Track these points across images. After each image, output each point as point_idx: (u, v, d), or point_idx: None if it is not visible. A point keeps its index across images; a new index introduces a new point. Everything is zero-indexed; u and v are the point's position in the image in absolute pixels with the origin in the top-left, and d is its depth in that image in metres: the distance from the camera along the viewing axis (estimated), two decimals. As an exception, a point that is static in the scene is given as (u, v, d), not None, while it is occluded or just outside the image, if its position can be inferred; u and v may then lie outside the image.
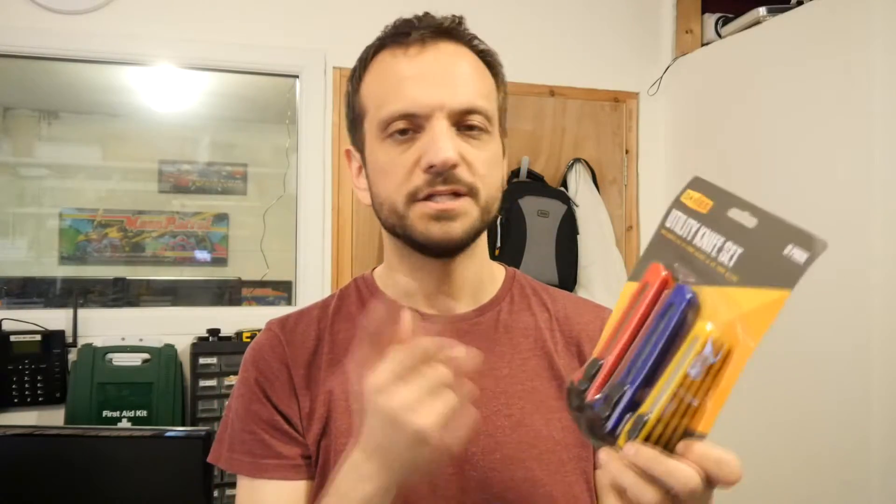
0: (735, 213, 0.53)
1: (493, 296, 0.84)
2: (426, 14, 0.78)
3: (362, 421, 0.62)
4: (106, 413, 1.86)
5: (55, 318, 1.97)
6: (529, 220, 2.18)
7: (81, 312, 1.99)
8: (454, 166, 0.72)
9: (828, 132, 1.76)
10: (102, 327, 2.01)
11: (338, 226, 2.19)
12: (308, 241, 2.18)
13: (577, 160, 2.36)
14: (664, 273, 0.54)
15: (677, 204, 0.57)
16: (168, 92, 2.88)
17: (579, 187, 2.33)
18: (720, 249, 0.52)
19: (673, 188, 2.39)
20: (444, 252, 0.77)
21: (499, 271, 0.88)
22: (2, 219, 3.22)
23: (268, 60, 2.17)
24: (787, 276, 0.48)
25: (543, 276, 2.13)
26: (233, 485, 1.84)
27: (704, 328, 0.49)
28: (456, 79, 0.74)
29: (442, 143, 0.71)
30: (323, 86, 2.18)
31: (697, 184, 0.57)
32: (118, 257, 3.28)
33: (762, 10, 2.04)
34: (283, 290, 2.86)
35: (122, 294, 2.91)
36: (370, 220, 2.20)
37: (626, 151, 2.46)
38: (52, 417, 1.93)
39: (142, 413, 1.88)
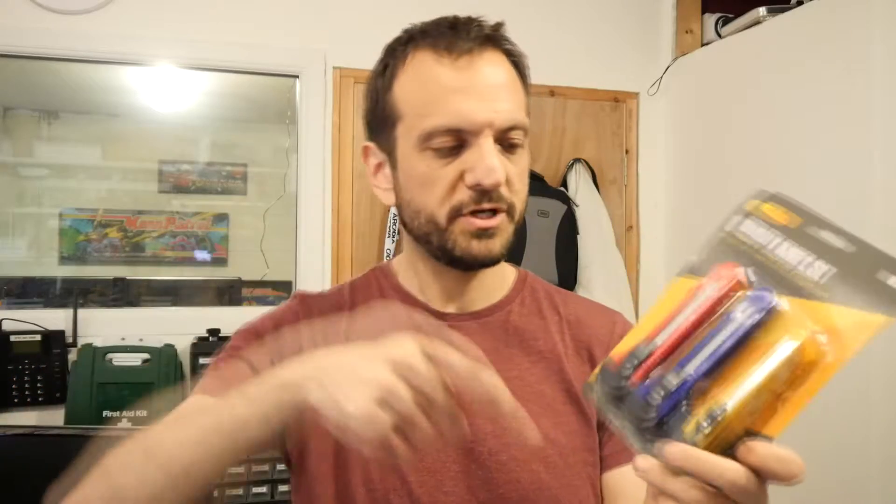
0: (828, 236, 0.52)
1: (503, 296, 0.85)
2: (474, 20, 0.76)
3: (324, 353, 0.59)
4: (106, 413, 1.86)
5: (55, 318, 1.97)
6: (529, 220, 2.18)
7: (81, 312, 1.99)
8: (499, 185, 0.73)
9: (828, 132, 1.76)
10: (102, 327, 2.01)
11: (338, 226, 2.19)
12: (308, 241, 2.18)
13: (577, 160, 2.36)
14: (742, 276, 0.52)
15: (753, 213, 0.57)
16: (168, 92, 2.88)
17: (579, 187, 2.33)
18: (808, 265, 0.51)
19: (673, 188, 2.40)
20: (481, 267, 0.78)
21: (510, 272, 0.88)
22: (2, 219, 3.22)
23: (268, 60, 2.17)
24: (887, 303, 0.47)
25: (543, 276, 2.11)
26: (232, 485, 1.83)
27: (802, 332, 0.48)
28: (501, 94, 0.74)
29: (492, 163, 0.71)
30: (323, 86, 2.18)
31: (780, 199, 0.57)
32: (118, 257, 3.28)
33: (762, 10, 2.04)
34: (283, 290, 2.86)
35: (122, 294, 2.91)
36: (370, 220, 2.20)
37: (626, 151, 2.46)
38: (52, 417, 1.93)
39: (142, 413, 1.88)
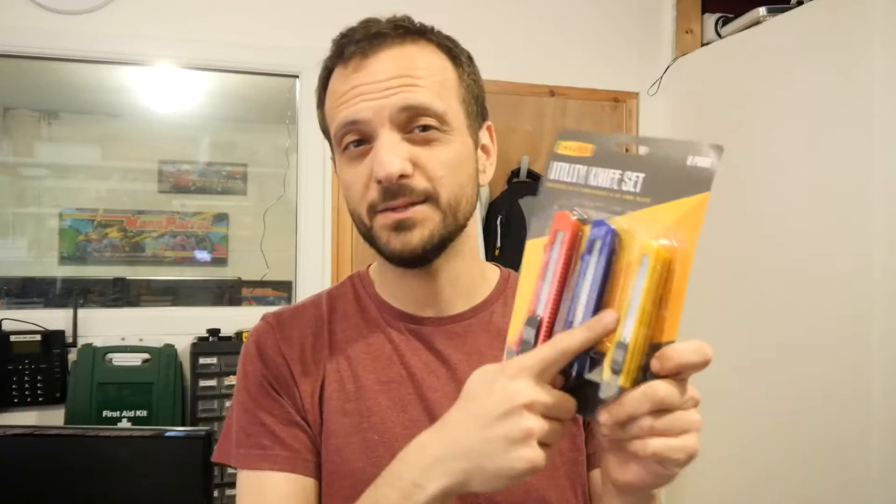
0: (621, 147, 0.57)
1: (485, 297, 0.83)
2: (366, 22, 0.77)
3: (463, 414, 0.58)
4: (106, 413, 1.86)
5: (55, 318, 1.97)
6: (529, 221, 2.17)
7: (81, 312, 1.99)
8: (403, 177, 0.71)
9: (827, 132, 1.76)
10: (102, 327, 2.01)
11: (338, 226, 2.19)
12: (308, 241, 2.18)
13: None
14: (574, 217, 0.56)
15: (555, 156, 0.59)
16: (168, 92, 2.88)
17: (579, 187, 2.32)
18: (621, 181, 0.55)
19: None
20: (407, 262, 0.75)
21: (492, 272, 0.87)
22: (2, 219, 3.22)
23: (268, 60, 2.17)
24: (700, 181, 0.52)
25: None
26: (233, 485, 1.84)
27: (651, 245, 0.52)
28: (397, 81, 0.72)
29: (384, 156, 0.70)
30: (323, 86, 2.18)
31: (568, 134, 0.60)
32: (118, 257, 3.28)
33: (762, 10, 2.04)
34: (283, 290, 2.86)
35: (122, 294, 2.92)
36: (370, 220, 2.20)
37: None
38: (52, 417, 1.93)
39: (142, 413, 1.88)
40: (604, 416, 0.53)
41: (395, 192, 0.71)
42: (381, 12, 0.79)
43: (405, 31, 0.76)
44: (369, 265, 0.88)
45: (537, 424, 0.54)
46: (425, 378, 0.78)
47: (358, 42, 0.75)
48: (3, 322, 1.93)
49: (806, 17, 1.87)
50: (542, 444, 0.55)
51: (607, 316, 0.53)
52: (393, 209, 0.72)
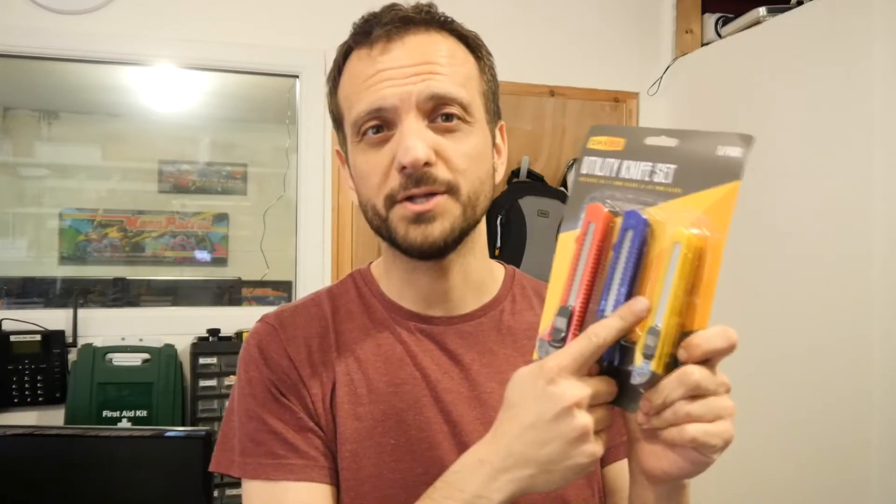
0: (652, 140, 0.57)
1: (494, 295, 0.82)
2: (391, 6, 0.75)
3: (515, 422, 0.58)
4: (106, 413, 1.86)
5: (55, 318, 1.97)
6: (529, 220, 2.17)
7: (81, 312, 1.99)
8: (427, 165, 0.69)
9: (828, 132, 1.76)
10: (102, 327, 2.01)
11: (338, 226, 2.19)
12: (308, 241, 2.18)
13: (577, 160, 2.36)
14: (606, 209, 0.57)
15: (587, 151, 0.60)
16: (168, 92, 2.88)
17: (579, 187, 2.32)
18: (652, 173, 0.56)
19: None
20: (426, 255, 0.73)
21: (498, 270, 0.86)
22: (2, 219, 3.22)
23: (268, 60, 2.17)
24: (730, 170, 0.53)
25: (543, 276, 2.11)
26: (234, 485, 1.84)
27: (682, 232, 0.52)
28: (424, 68, 0.71)
29: (411, 142, 0.69)
30: (323, 86, 2.17)
31: (599, 129, 0.60)
32: (118, 257, 3.28)
33: (762, 10, 2.04)
34: (283, 290, 2.86)
35: (122, 294, 2.91)
36: (370, 220, 2.20)
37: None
38: (52, 417, 1.93)
39: (142, 413, 1.88)
40: (640, 404, 0.54)
41: (417, 179, 0.69)
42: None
43: (431, 18, 0.75)
44: (370, 263, 0.86)
45: (589, 419, 0.55)
46: (439, 379, 0.76)
47: (385, 25, 0.73)
48: (3, 322, 1.93)
49: (806, 17, 1.87)
50: (597, 432, 0.57)
51: (638, 303, 0.54)
52: (412, 200, 0.70)
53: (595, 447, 0.56)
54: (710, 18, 2.37)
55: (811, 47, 1.82)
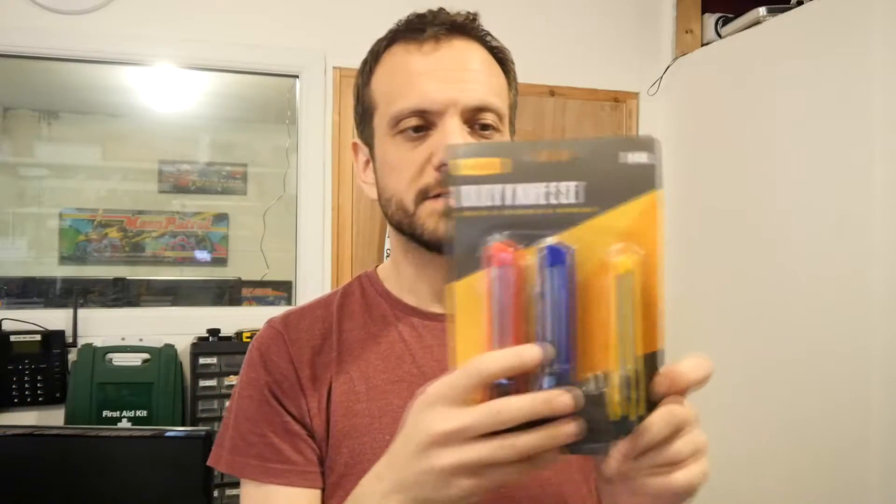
0: (540, 156, 0.50)
1: None
2: (441, 10, 0.77)
3: (399, 445, 0.55)
4: (106, 413, 1.87)
5: (55, 318, 1.97)
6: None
7: (81, 312, 1.99)
8: None
9: (828, 132, 1.76)
10: (102, 327, 2.01)
11: (338, 226, 2.19)
12: (308, 241, 2.18)
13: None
14: (511, 249, 0.49)
15: (458, 179, 0.50)
16: (168, 92, 2.88)
17: (579, 187, 2.32)
18: (555, 194, 0.49)
19: (672, 188, 2.40)
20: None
21: None
22: (2, 219, 3.22)
23: (268, 60, 2.17)
24: (645, 179, 0.48)
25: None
26: (233, 485, 1.84)
27: (624, 262, 0.47)
28: (469, 76, 0.74)
29: (455, 142, 0.71)
30: (323, 86, 2.18)
31: (466, 150, 0.51)
32: (118, 257, 3.28)
33: (762, 10, 2.04)
34: (283, 290, 2.86)
35: (122, 294, 2.91)
36: (370, 219, 2.20)
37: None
38: (52, 417, 1.93)
39: (142, 413, 1.88)
40: (621, 451, 0.48)
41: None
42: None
43: (477, 28, 0.78)
44: (376, 266, 0.88)
45: (461, 454, 0.48)
46: (438, 376, 0.77)
47: (436, 26, 0.75)
48: (3, 322, 1.93)
49: (806, 17, 1.87)
50: (500, 465, 0.49)
51: (527, 352, 0.47)
52: (444, 197, 0.72)
53: (472, 483, 0.49)
54: (710, 18, 2.37)
55: (811, 47, 1.82)
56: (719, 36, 2.32)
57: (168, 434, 1.61)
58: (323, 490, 0.77)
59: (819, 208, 1.78)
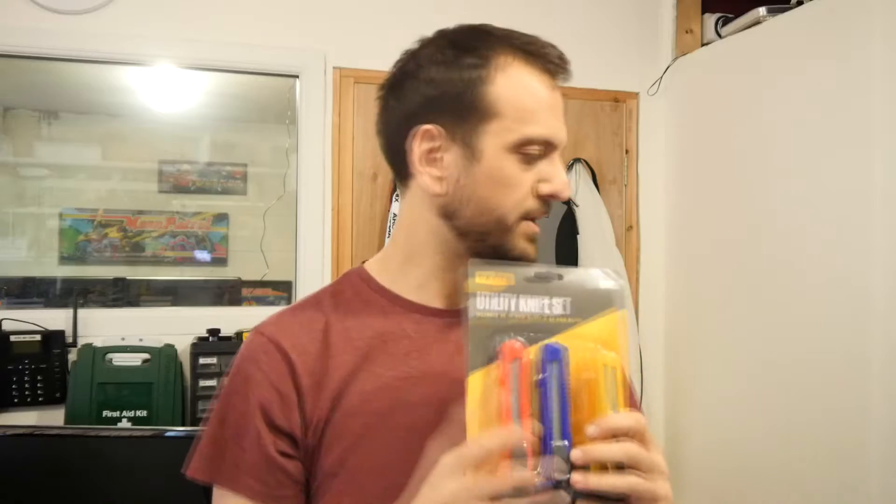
0: (541, 275, 0.66)
1: None
2: (549, 43, 0.82)
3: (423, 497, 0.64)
4: (106, 413, 1.86)
5: (55, 318, 1.97)
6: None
7: (81, 312, 1.99)
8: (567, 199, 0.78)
9: (828, 132, 1.76)
10: (102, 327, 2.01)
11: (338, 226, 2.19)
12: (308, 241, 2.18)
13: (577, 160, 2.36)
14: (518, 345, 0.62)
15: (477, 287, 0.65)
16: (168, 92, 2.88)
17: (579, 187, 2.33)
18: (550, 306, 0.65)
19: (673, 188, 2.40)
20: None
21: None
22: (2, 219, 3.22)
23: (268, 60, 2.17)
24: (609, 301, 0.66)
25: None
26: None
27: (613, 357, 0.63)
28: (562, 119, 0.81)
29: (567, 178, 0.80)
30: (323, 86, 2.18)
31: (482, 266, 0.66)
32: (118, 257, 3.28)
33: (762, 10, 2.04)
34: (283, 290, 2.86)
35: (122, 294, 2.91)
36: (370, 220, 2.21)
37: (626, 151, 2.46)
38: (52, 417, 1.93)
39: (142, 413, 1.88)
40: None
41: (548, 209, 0.80)
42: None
43: (567, 77, 0.83)
44: (363, 262, 0.88)
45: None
46: (447, 371, 0.77)
47: (555, 58, 0.80)
48: (3, 322, 1.93)
49: (806, 17, 1.87)
50: None
51: (515, 432, 0.60)
52: (534, 221, 0.79)
53: None
54: (710, 18, 2.37)
55: (811, 47, 1.82)
56: (719, 36, 2.32)
57: (168, 434, 1.61)
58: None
59: (819, 208, 1.77)
